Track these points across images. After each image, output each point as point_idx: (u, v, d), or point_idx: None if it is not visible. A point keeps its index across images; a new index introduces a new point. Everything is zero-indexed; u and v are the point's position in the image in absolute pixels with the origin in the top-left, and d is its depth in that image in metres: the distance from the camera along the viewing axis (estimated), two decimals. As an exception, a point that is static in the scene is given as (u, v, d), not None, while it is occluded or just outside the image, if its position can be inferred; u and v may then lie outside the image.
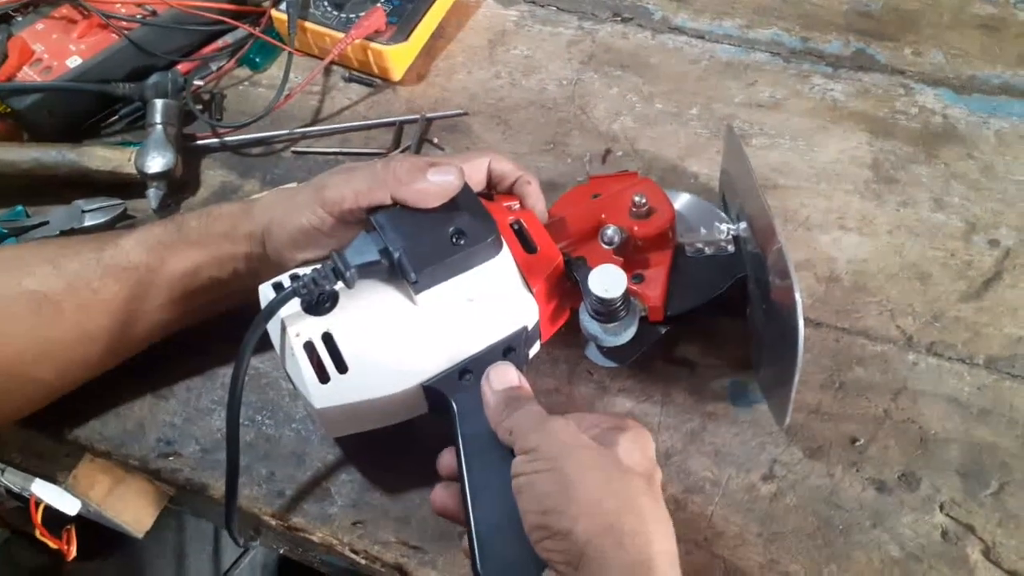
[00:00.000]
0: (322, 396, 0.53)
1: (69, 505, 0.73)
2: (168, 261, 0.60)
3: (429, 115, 0.80)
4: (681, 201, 0.65)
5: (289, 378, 0.57)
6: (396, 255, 0.52)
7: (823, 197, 0.72)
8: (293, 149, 0.80)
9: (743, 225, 0.62)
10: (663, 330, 0.60)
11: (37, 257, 0.61)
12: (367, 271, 0.53)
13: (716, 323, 0.65)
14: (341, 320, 0.54)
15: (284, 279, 0.56)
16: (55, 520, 0.75)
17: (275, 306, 0.52)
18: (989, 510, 0.56)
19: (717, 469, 0.59)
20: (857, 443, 0.59)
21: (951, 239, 0.69)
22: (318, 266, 0.53)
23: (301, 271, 0.56)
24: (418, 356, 0.54)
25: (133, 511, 0.76)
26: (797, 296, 0.50)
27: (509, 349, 0.56)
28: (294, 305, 0.53)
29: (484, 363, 0.54)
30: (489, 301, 0.55)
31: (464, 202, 0.55)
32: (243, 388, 0.53)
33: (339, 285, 0.53)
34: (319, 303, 0.54)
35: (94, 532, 0.80)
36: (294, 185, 0.75)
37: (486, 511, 0.50)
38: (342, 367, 0.53)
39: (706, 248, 0.62)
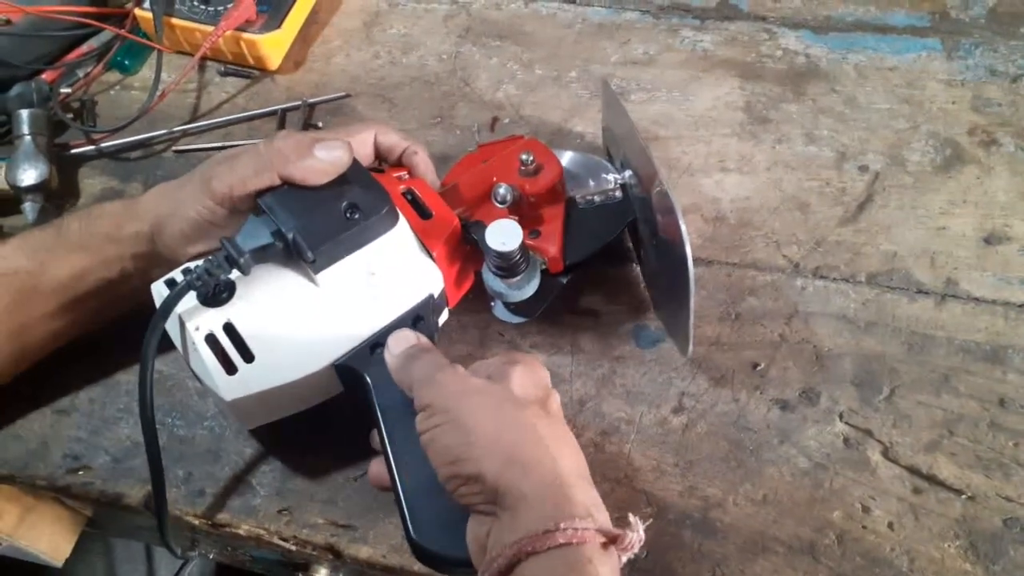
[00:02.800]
0: (231, 388, 0.52)
1: (-24, 542, 0.70)
2: (51, 266, 0.58)
3: (311, 100, 0.80)
4: (567, 158, 0.66)
5: (195, 375, 0.55)
6: (290, 236, 0.52)
7: (702, 143, 0.75)
8: (174, 148, 0.78)
9: (628, 173, 0.63)
10: (565, 280, 0.61)
11: None
12: (261, 255, 0.52)
13: (614, 271, 0.67)
14: (241, 308, 0.53)
15: (176, 275, 0.55)
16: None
17: (171, 303, 0.51)
18: (884, 414, 0.59)
19: (630, 408, 0.61)
20: (758, 368, 0.62)
21: (824, 169, 0.72)
22: (210, 256, 0.52)
23: (193, 264, 0.55)
24: (325, 336, 0.54)
25: (49, 538, 0.73)
26: (683, 228, 0.52)
27: (418, 319, 0.56)
28: (190, 299, 0.52)
29: None
30: (391, 273, 0.55)
31: (354, 176, 0.55)
32: (153, 393, 0.52)
33: (234, 273, 0.52)
34: (216, 294, 0.52)
35: (10, 568, 0.76)
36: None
37: (410, 477, 0.50)
38: (248, 356, 0.52)
39: (596, 198, 0.64)
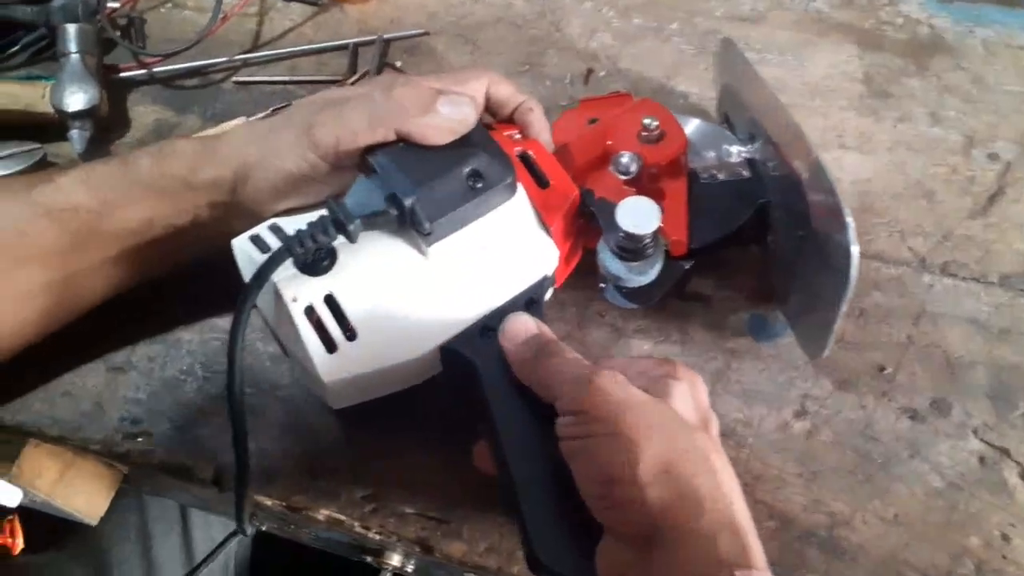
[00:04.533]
0: (331, 368, 0.46)
1: (9, 496, 0.64)
2: (116, 207, 0.51)
3: (387, 36, 0.72)
4: (691, 126, 0.60)
5: (282, 347, 0.50)
6: (408, 203, 0.45)
7: (819, 115, 0.69)
8: (234, 79, 0.71)
9: (757, 146, 0.57)
10: (687, 265, 0.56)
11: None
12: (371, 222, 0.46)
13: (726, 253, 0.61)
14: (344, 280, 0.47)
15: (262, 231, 0.49)
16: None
17: (267, 269, 0.45)
18: (1021, 432, 0.55)
19: (748, 409, 0.56)
20: (885, 371, 0.57)
21: (951, 154, 0.66)
22: (313, 219, 0.46)
23: (284, 222, 0.49)
24: (433, 316, 0.48)
25: (86, 496, 0.68)
26: (849, 221, 0.47)
27: (531, 301, 0.50)
28: (287, 265, 0.46)
29: (504, 318, 0.49)
30: (506, 249, 0.49)
31: (476, 138, 0.48)
32: (242, 368, 0.46)
33: (339, 240, 0.46)
34: (315, 261, 0.47)
35: (41, 521, 0.71)
36: (258, 119, 0.66)
37: (531, 483, 0.45)
38: (350, 333, 0.46)
39: (719, 173, 0.58)
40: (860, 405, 0.56)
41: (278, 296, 0.46)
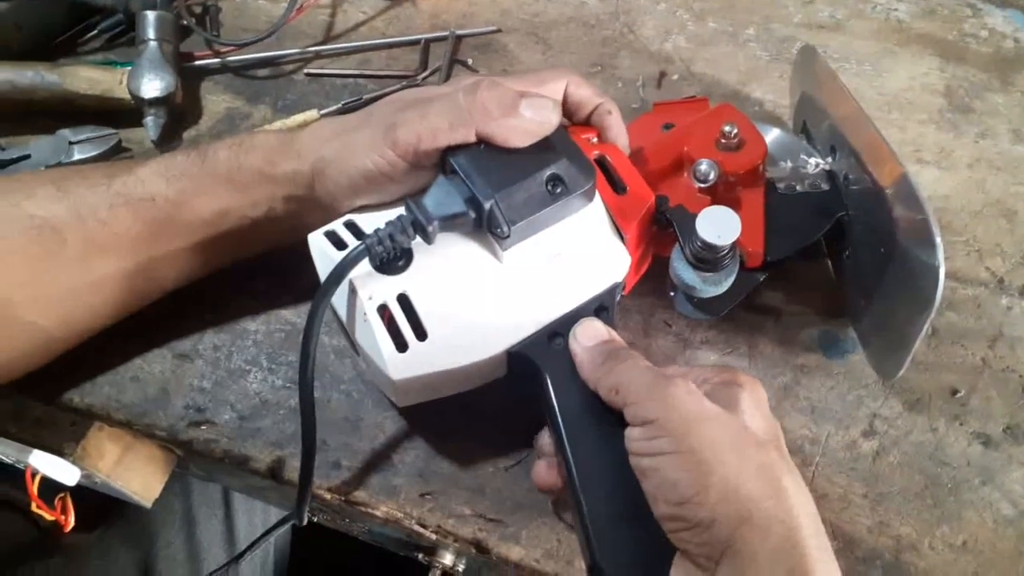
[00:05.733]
0: (400, 367, 0.46)
1: (68, 475, 0.65)
2: (192, 198, 0.52)
3: (459, 32, 0.72)
4: (771, 136, 0.59)
5: (351, 344, 0.50)
6: (487, 206, 0.45)
7: (897, 128, 0.67)
8: (306, 71, 0.71)
9: (837, 158, 0.56)
10: (761, 277, 0.55)
11: (39, 179, 0.53)
12: (449, 224, 0.46)
13: (797, 266, 0.60)
14: (418, 280, 0.47)
15: (338, 228, 0.49)
16: (48, 490, 0.67)
17: (346, 266, 0.45)
18: (1100, 463, 0.53)
19: (815, 426, 0.55)
20: (958, 394, 0.56)
21: (1034, 174, 0.65)
22: (391, 217, 0.45)
23: (359, 219, 0.49)
24: (504, 319, 0.48)
25: (142, 479, 0.68)
26: (938, 240, 0.46)
27: (601, 308, 0.50)
28: (363, 264, 0.46)
29: (574, 324, 0.48)
30: (579, 255, 0.49)
31: (557, 141, 0.48)
32: (315, 363, 0.46)
33: (415, 240, 0.46)
34: (391, 260, 0.47)
35: (92, 500, 0.72)
36: (329, 112, 0.67)
37: (598, 493, 0.44)
38: (421, 333, 0.46)
39: (797, 185, 0.57)
40: (931, 428, 0.55)
41: (353, 292, 0.46)
